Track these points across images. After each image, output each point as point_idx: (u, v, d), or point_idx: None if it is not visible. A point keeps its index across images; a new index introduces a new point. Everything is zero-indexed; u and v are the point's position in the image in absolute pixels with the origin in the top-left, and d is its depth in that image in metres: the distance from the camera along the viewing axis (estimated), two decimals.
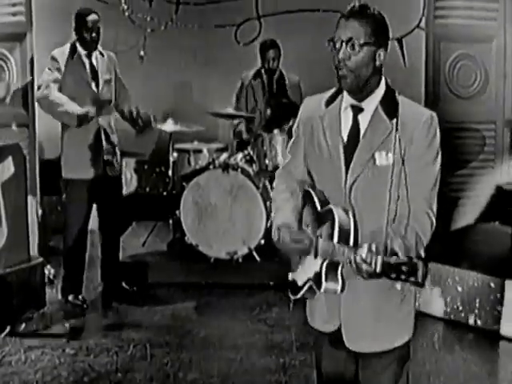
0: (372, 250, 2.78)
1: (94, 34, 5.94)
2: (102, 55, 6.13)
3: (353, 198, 3.05)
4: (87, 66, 6.04)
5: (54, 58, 5.97)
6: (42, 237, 6.77)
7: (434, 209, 3.04)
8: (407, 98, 3.11)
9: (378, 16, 3.05)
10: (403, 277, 2.69)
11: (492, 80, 7.94)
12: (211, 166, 6.86)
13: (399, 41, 8.57)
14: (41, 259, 6.19)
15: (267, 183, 6.99)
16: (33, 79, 6.64)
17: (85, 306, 6.14)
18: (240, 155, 6.97)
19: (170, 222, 7.12)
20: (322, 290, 3.00)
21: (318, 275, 3.02)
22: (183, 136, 7.44)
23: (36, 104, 6.27)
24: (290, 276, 3.23)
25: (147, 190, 8.38)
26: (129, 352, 5.38)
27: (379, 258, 2.74)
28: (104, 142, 6.06)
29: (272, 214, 3.28)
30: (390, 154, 3.01)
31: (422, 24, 8.42)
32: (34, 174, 6.71)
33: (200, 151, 7.26)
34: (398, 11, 8.32)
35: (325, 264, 2.99)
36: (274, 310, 6.20)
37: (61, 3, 7.98)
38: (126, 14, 8.39)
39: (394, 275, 2.71)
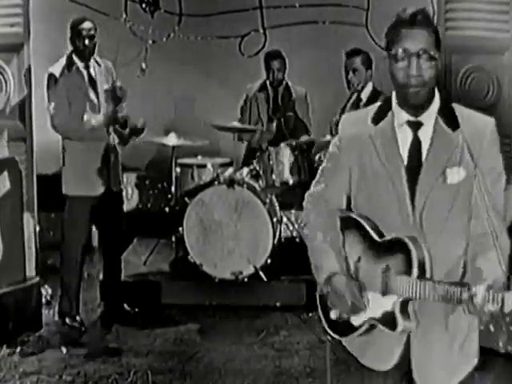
0: (490, 285, 2.49)
1: (86, 42, 5.71)
2: (99, 65, 5.91)
3: (424, 224, 2.75)
4: (85, 77, 5.83)
5: (51, 75, 5.76)
6: (39, 255, 6.49)
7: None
8: (460, 105, 2.82)
9: (433, 22, 2.77)
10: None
11: (505, 93, 7.71)
12: (216, 182, 6.59)
13: None
14: (37, 279, 5.91)
15: (274, 199, 6.73)
16: (30, 91, 6.38)
17: (83, 328, 5.86)
18: (246, 170, 6.69)
19: (173, 239, 6.84)
20: (398, 330, 2.71)
21: (389, 315, 2.73)
22: (186, 150, 7.18)
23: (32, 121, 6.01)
24: (334, 314, 2.86)
25: (148, 206, 8.10)
26: (129, 379, 5.07)
27: (501, 294, 2.45)
28: (107, 156, 5.81)
29: (312, 258, 2.92)
30: (461, 170, 2.72)
31: None
32: (31, 190, 6.42)
33: (204, 166, 6.98)
34: None
35: (399, 302, 2.71)
36: (281, 334, 5.90)
37: (59, 14, 7.81)
38: (127, 25, 8.19)
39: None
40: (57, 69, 5.78)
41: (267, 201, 6.52)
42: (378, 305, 2.77)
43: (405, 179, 2.76)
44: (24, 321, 5.65)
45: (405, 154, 2.78)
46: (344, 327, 2.86)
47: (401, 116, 2.78)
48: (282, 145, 6.61)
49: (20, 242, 5.75)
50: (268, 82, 7.30)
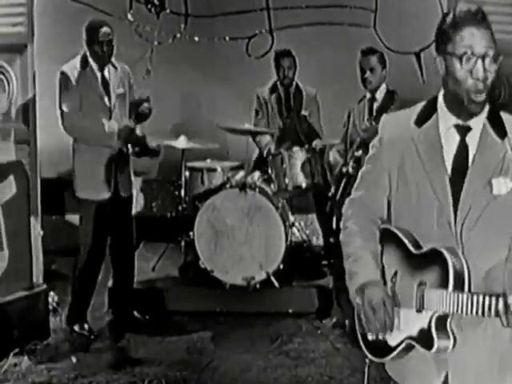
0: None
1: (105, 48, 5.56)
2: (115, 68, 5.75)
3: (464, 235, 2.59)
4: (99, 80, 5.68)
5: (64, 74, 5.59)
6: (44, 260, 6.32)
7: None
8: (507, 113, 2.66)
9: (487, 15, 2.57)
10: None
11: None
12: (227, 186, 6.43)
13: (417, 55, 8.23)
14: (44, 286, 5.75)
15: (286, 204, 6.58)
16: (34, 93, 6.23)
17: (92, 336, 5.70)
18: (257, 174, 6.54)
19: (182, 244, 6.68)
20: (433, 350, 2.55)
21: (425, 333, 2.57)
22: (194, 153, 7.03)
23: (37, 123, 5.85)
24: (371, 336, 2.70)
25: (155, 210, 7.92)
26: None
27: None
28: (117, 160, 5.66)
29: (347, 265, 2.76)
30: (508, 180, 2.56)
31: None
32: (35, 193, 6.27)
33: (214, 170, 6.82)
34: (415, 24, 8.03)
35: (434, 318, 2.55)
36: (295, 341, 5.74)
37: (64, 14, 7.70)
38: (133, 26, 8.04)
39: None
40: (69, 68, 5.62)
41: (280, 205, 6.37)
42: (414, 322, 2.62)
43: (448, 186, 2.61)
44: (31, 329, 5.49)
45: (449, 159, 2.63)
46: (381, 348, 2.71)
47: (448, 119, 2.63)
48: (295, 148, 6.44)
49: (27, 248, 5.60)
50: (279, 83, 7.13)
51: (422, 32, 8.04)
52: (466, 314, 2.48)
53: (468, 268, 2.53)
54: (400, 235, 2.68)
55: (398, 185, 2.71)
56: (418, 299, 2.59)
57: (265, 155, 6.78)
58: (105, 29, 5.61)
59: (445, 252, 2.53)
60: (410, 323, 2.62)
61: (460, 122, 2.61)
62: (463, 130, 2.62)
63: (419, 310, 2.59)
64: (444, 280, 2.53)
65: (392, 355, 2.68)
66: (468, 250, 2.57)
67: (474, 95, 2.53)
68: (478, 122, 2.61)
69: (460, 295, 2.49)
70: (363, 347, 2.79)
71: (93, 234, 5.66)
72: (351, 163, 5.58)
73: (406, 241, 2.66)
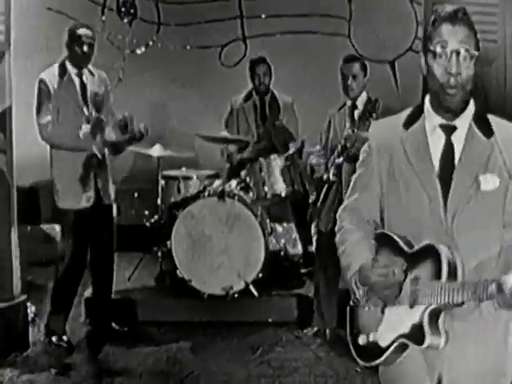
0: None
1: (85, 48, 5.49)
2: (92, 74, 5.67)
3: (455, 231, 2.61)
4: (77, 85, 5.58)
5: (43, 82, 5.49)
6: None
7: None
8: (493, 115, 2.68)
9: (470, 16, 2.62)
10: None
11: (492, 102, 7.63)
12: (203, 194, 6.35)
13: (391, 64, 8.25)
14: (24, 297, 5.62)
15: (264, 212, 6.52)
16: (11, 101, 6.11)
17: (70, 348, 5.57)
18: (235, 182, 6.46)
19: (159, 254, 6.58)
20: (424, 345, 2.53)
21: (417, 328, 2.55)
22: (168, 162, 6.95)
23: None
24: (362, 340, 2.71)
25: (130, 219, 7.80)
26: None
27: None
28: (97, 167, 5.57)
29: (342, 260, 2.78)
30: (495, 177, 2.59)
31: (415, 47, 8.15)
32: (12, 203, 6.15)
33: (190, 178, 6.73)
34: (389, 33, 8.06)
35: (427, 312, 2.53)
36: (276, 350, 5.66)
37: (38, 22, 7.58)
38: (105, 34, 7.96)
39: None
40: (48, 75, 5.53)
41: (258, 213, 6.30)
42: (406, 319, 2.61)
43: (438, 184, 2.64)
44: (12, 341, 5.38)
45: (436, 158, 2.67)
46: (373, 351, 2.69)
47: (434, 119, 2.67)
48: (272, 156, 6.38)
49: (9, 259, 5.49)
50: (254, 91, 7.07)
51: (396, 41, 8.10)
52: (461, 302, 2.48)
53: (462, 261, 2.55)
54: (394, 237, 2.69)
55: (388, 187, 2.74)
56: (411, 294, 2.59)
57: (234, 163, 6.75)
58: (87, 31, 5.56)
59: (437, 245, 2.56)
60: (401, 321, 2.61)
61: (445, 121, 2.65)
62: (449, 130, 2.65)
63: (412, 306, 2.58)
64: (437, 271, 2.54)
65: (384, 356, 2.65)
66: (460, 246, 2.59)
67: (448, 89, 2.57)
68: (464, 122, 2.64)
69: (453, 284, 2.49)
70: (354, 353, 2.77)
71: (75, 244, 5.55)
72: (332, 170, 5.53)
73: (400, 242, 2.67)
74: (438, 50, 2.56)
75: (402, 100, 7.30)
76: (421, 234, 2.64)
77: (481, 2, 7.59)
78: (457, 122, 2.64)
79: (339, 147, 5.49)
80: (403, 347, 2.62)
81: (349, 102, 5.74)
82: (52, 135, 5.47)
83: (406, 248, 2.65)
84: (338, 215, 2.90)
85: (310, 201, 5.74)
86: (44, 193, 5.96)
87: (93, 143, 5.51)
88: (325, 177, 5.55)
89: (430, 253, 2.57)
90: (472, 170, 2.61)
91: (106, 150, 5.63)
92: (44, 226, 7.46)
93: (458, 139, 2.65)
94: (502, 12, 7.52)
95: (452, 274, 2.53)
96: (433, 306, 2.54)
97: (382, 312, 2.68)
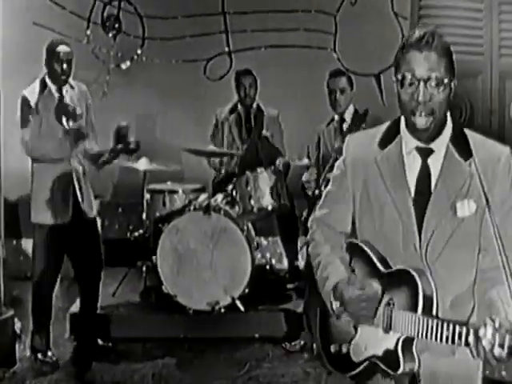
0: (497, 327, 2.25)
1: (65, 66, 5.45)
2: (73, 88, 5.62)
3: (429, 258, 2.55)
4: (56, 101, 5.53)
5: (25, 99, 5.46)
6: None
7: None
8: (474, 132, 2.62)
9: (444, 40, 2.53)
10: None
11: (478, 115, 7.66)
12: (189, 208, 6.29)
13: (377, 77, 8.23)
14: (12, 312, 5.53)
15: (250, 226, 6.46)
16: None
17: (56, 364, 5.50)
18: (220, 196, 6.41)
19: (144, 269, 6.51)
20: (399, 371, 2.49)
21: (391, 354, 2.52)
22: (153, 176, 6.89)
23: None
24: (334, 348, 2.68)
25: (115, 233, 7.73)
26: None
27: (508, 337, 2.22)
28: (76, 183, 5.50)
29: (318, 273, 2.75)
30: (472, 202, 2.53)
31: None
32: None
33: (175, 192, 6.68)
34: (375, 46, 8.04)
35: (401, 341, 2.49)
36: (264, 366, 5.60)
37: (23, 36, 7.53)
38: (90, 48, 7.92)
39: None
40: (29, 92, 5.51)
41: (245, 227, 6.25)
42: (380, 342, 2.57)
43: (412, 210, 2.58)
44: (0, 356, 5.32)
45: (412, 182, 2.61)
46: (344, 363, 2.68)
47: (410, 142, 2.61)
48: (259, 169, 6.32)
49: None
50: (239, 104, 7.02)
51: (381, 54, 8.08)
52: (436, 340, 2.43)
53: (437, 292, 2.50)
54: (368, 252, 2.65)
55: (362, 206, 2.69)
56: (386, 319, 2.55)
57: (222, 177, 6.69)
58: (65, 47, 5.52)
59: (414, 273, 2.50)
60: (375, 341, 2.58)
61: (421, 144, 2.59)
62: (425, 153, 2.59)
63: (386, 331, 2.55)
64: (413, 302, 2.49)
65: (355, 372, 2.64)
66: (435, 273, 2.54)
67: (418, 118, 2.51)
68: (441, 145, 2.58)
69: (430, 320, 2.44)
70: (325, 360, 2.75)
71: (45, 260, 5.48)
72: (324, 185, 5.50)
73: (374, 258, 2.63)
74: (406, 78, 2.50)
75: (387, 113, 7.28)
76: (395, 257, 2.60)
77: (466, 16, 7.63)
78: (433, 145, 2.58)
79: (331, 161, 5.46)
80: (374, 369, 2.60)
81: (336, 117, 5.72)
82: (33, 149, 5.42)
83: (381, 267, 2.60)
84: (309, 224, 2.87)
85: (303, 217, 5.69)
86: (24, 207, 5.88)
87: (72, 156, 5.46)
88: (316, 192, 5.51)
89: (405, 279, 2.52)
90: (448, 195, 2.55)
91: (87, 163, 5.57)
92: (24, 241, 7.41)
93: (434, 162, 2.59)
94: (487, 25, 7.55)
95: (427, 308, 2.48)
96: (408, 335, 2.50)
97: (355, 329, 2.64)
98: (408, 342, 2.51)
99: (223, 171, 6.91)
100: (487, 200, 2.46)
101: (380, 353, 2.56)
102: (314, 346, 5.76)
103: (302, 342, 5.83)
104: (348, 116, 5.66)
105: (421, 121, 2.50)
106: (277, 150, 6.83)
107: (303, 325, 5.81)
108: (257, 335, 6.09)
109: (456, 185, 2.55)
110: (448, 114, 2.58)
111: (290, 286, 6.72)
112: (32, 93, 5.48)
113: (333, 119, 5.73)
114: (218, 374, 5.47)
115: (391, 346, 2.52)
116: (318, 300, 5.57)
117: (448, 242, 2.55)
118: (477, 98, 7.66)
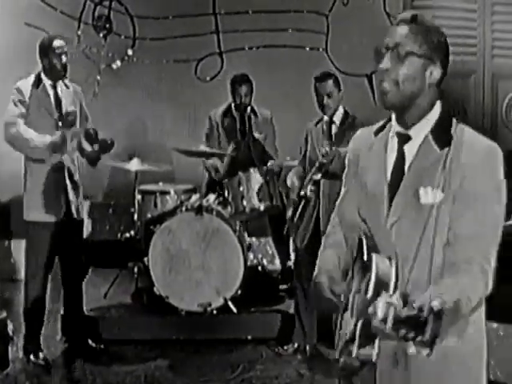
0: (390, 301, 2.17)
1: (63, 59, 5.43)
2: (67, 87, 5.59)
3: (395, 243, 2.55)
4: (52, 97, 5.51)
5: (19, 90, 5.44)
6: None
7: (493, 262, 2.46)
8: (471, 129, 2.57)
9: (432, 27, 2.53)
10: (411, 335, 2.10)
11: (471, 116, 7.65)
12: (180, 209, 6.25)
13: (368, 77, 8.21)
14: (4, 314, 5.47)
15: (242, 226, 6.42)
16: None
17: (48, 365, 5.46)
18: (213, 197, 6.37)
19: (135, 270, 6.46)
20: (353, 354, 2.41)
21: (353, 336, 2.45)
22: (144, 176, 6.85)
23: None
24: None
25: (105, 234, 7.68)
26: None
27: (391, 311, 2.14)
28: (68, 181, 5.46)
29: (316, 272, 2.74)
30: (438, 191, 2.49)
31: None
32: None
33: (167, 193, 6.63)
34: (366, 46, 8.02)
35: (359, 324, 2.41)
36: (257, 368, 5.57)
37: (14, 35, 7.49)
38: (81, 48, 7.87)
39: (403, 333, 2.12)
40: (23, 84, 5.47)
41: (237, 228, 6.21)
42: (349, 324, 2.52)
43: (386, 193, 2.59)
44: None
45: (389, 166, 2.62)
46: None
47: (394, 127, 2.61)
48: (252, 170, 6.27)
49: None
50: (234, 109, 6.93)
51: (373, 54, 8.04)
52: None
53: (396, 275, 2.42)
54: (364, 243, 2.59)
55: (358, 194, 2.71)
56: (351, 306, 2.52)
57: (215, 178, 6.64)
58: (61, 42, 5.48)
59: (374, 259, 2.46)
60: (348, 326, 2.53)
61: (401, 129, 2.59)
62: (402, 138, 2.59)
63: (352, 316, 2.50)
64: (367, 286, 2.45)
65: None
66: (400, 257, 2.52)
67: (380, 88, 2.52)
68: (420, 132, 2.56)
69: (365, 298, 2.37)
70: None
71: (37, 259, 5.45)
72: (309, 186, 5.45)
73: (365, 248, 2.57)
74: (381, 50, 2.50)
75: (379, 113, 7.26)
76: (379, 244, 2.59)
77: (459, 16, 7.63)
78: (412, 132, 2.56)
79: (317, 164, 5.42)
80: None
81: (326, 118, 5.68)
82: (16, 138, 5.35)
83: (365, 257, 2.55)
84: (332, 216, 2.89)
85: (287, 216, 5.66)
86: (15, 207, 5.82)
87: (64, 154, 5.42)
88: (302, 193, 5.47)
89: (370, 264, 2.47)
90: (416, 181, 2.53)
91: (84, 161, 5.54)
92: (14, 242, 7.36)
93: (410, 149, 2.57)
94: (480, 26, 7.54)
95: (380, 291, 2.35)
96: (364, 319, 2.40)
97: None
98: (368, 327, 2.38)
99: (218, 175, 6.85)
100: (456, 191, 2.46)
101: (349, 335, 2.47)
102: (307, 347, 5.74)
103: (296, 345, 5.79)
104: (337, 118, 5.62)
105: (382, 92, 2.49)
106: (269, 154, 6.78)
107: (295, 325, 5.79)
108: (249, 337, 6.06)
109: (426, 172, 2.52)
110: (438, 104, 2.55)
111: (282, 286, 6.69)
112: (26, 86, 5.45)
113: (322, 119, 5.68)
114: (211, 375, 5.43)
115: (352, 329, 2.45)
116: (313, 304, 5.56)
117: (411, 229, 2.53)
118: (469, 98, 7.66)
